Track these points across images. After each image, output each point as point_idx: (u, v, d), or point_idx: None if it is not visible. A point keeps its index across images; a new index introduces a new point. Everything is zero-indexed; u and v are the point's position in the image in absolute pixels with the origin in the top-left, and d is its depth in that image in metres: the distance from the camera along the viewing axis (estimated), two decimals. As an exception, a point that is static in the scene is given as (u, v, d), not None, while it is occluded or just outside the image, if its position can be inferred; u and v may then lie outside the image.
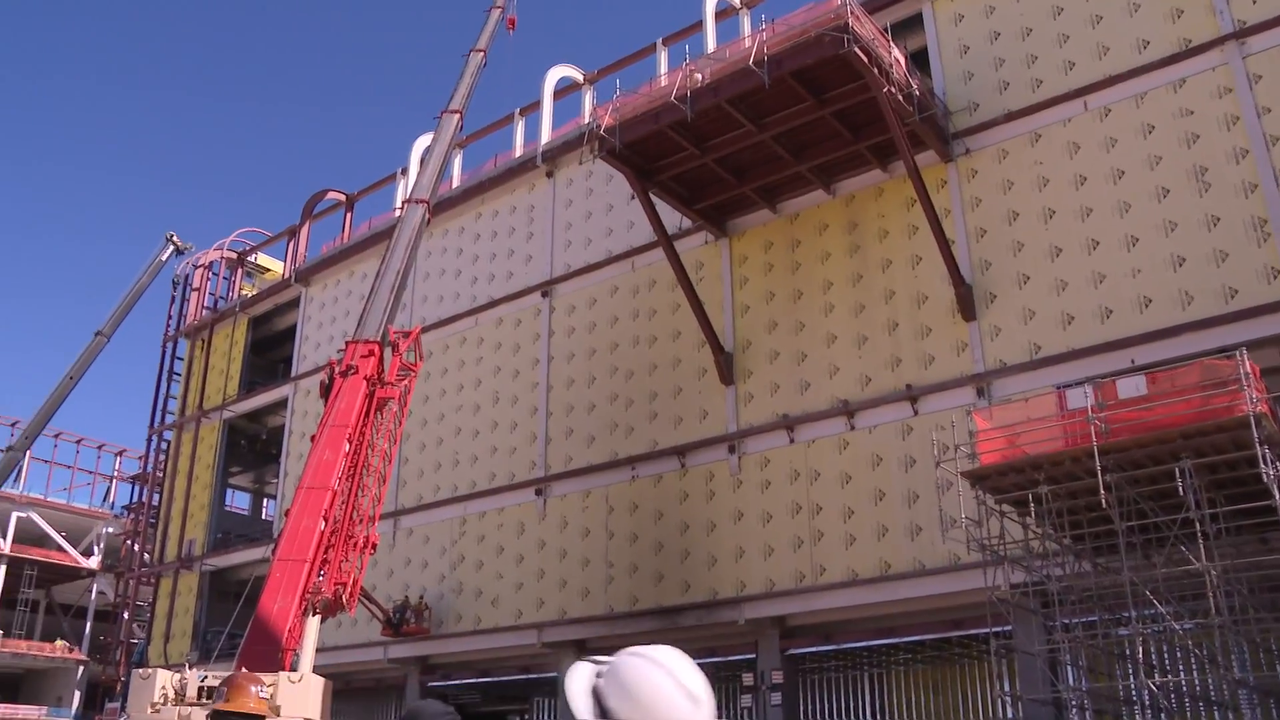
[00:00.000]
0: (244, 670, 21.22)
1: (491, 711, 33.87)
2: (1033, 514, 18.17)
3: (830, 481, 24.97)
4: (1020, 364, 22.84)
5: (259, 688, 5.80)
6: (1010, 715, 21.54)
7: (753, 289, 27.87)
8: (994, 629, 18.08)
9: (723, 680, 26.11)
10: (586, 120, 31.86)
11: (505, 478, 31.78)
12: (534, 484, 30.89)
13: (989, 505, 18.41)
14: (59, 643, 55.51)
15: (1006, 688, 20.82)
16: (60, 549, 56.26)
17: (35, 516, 54.96)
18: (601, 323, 31.08)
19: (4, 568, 54.01)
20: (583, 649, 28.48)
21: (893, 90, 22.45)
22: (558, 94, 36.64)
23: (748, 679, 25.21)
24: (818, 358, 26.06)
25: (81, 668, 54.21)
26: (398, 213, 32.46)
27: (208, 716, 5.83)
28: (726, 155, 25.71)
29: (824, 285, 26.56)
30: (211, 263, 49.28)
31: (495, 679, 31.66)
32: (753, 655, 25.43)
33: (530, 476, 31.10)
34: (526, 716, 32.49)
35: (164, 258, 39.38)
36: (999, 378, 23.04)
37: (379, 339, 25.01)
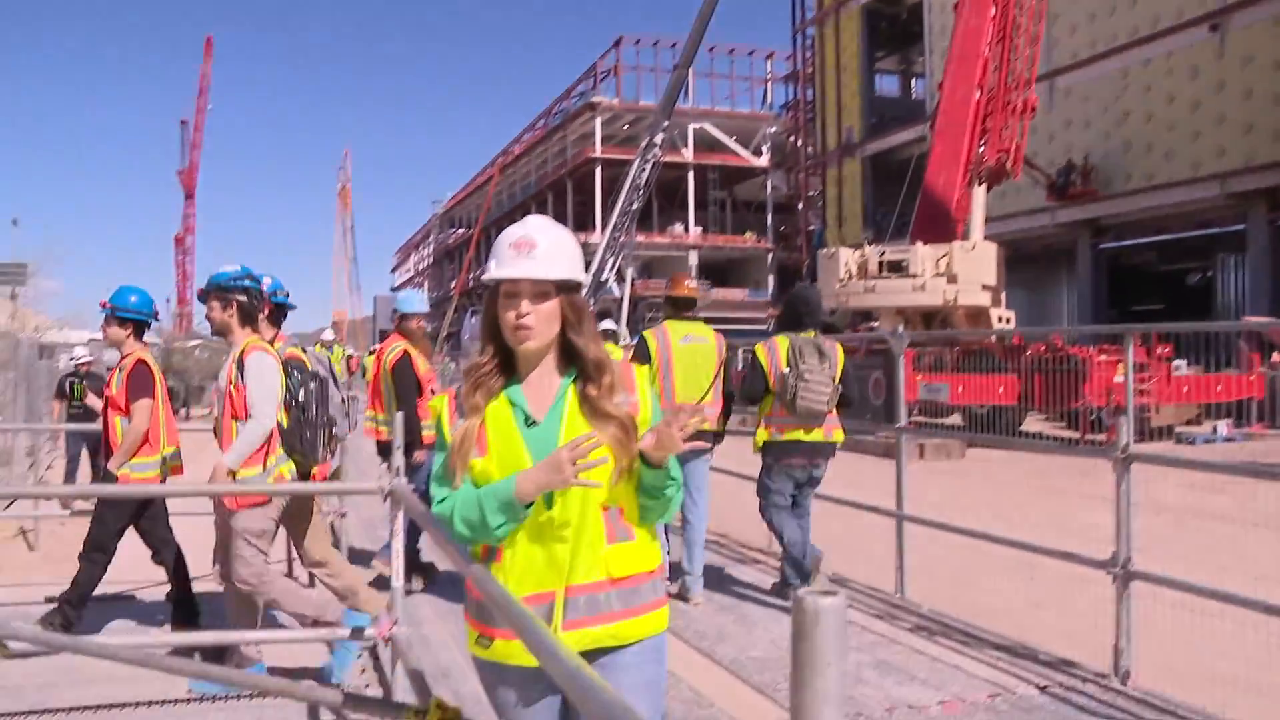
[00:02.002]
0: (919, 243, 22.60)
1: (1169, 271, 32.89)
2: None
3: None
4: None
5: (691, 280, 7.36)
6: None
7: None
8: None
9: None
10: None
11: (1171, 16, 29.12)
12: (1208, 19, 28.08)
13: None
14: (748, 235, 62.16)
15: None
16: (733, 152, 61.76)
17: (708, 126, 60.45)
18: None
19: (691, 174, 60.67)
20: (1275, 198, 26.35)
21: None
22: None
23: None
24: None
25: (770, 255, 60.49)
26: None
27: (663, 301, 7.29)
28: None
29: None
30: None
31: (1172, 236, 30.56)
32: None
33: (1202, 11, 28.18)
34: (1209, 274, 31.11)
35: None
36: None
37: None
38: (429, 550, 7.73)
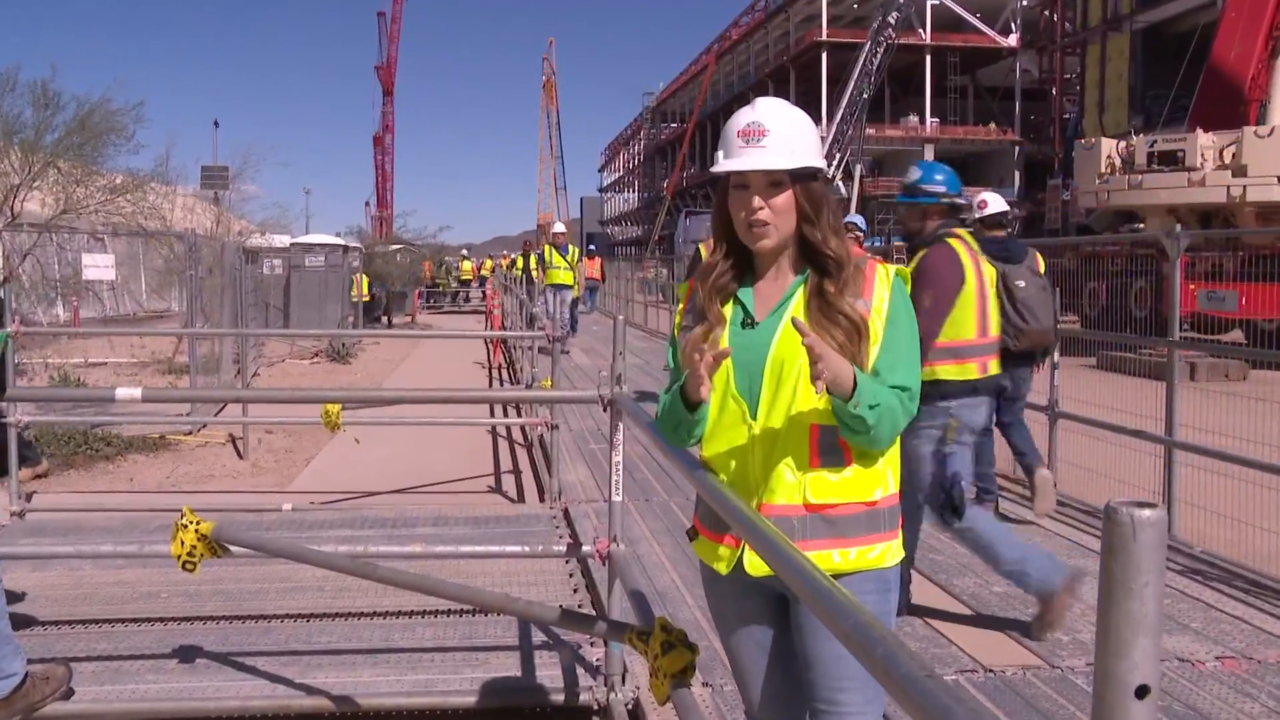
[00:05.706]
0: (1199, 130, 21.27)
1: None
2: None
3: None
4: None
5: None
6: None
7: None
8: None
9: None
10: None
11: None
12: None
13: None
14: (991, 125, 59.98)
15: None
16: (977, 31, 59.45)
17: (948, 1, 58.26)
18: None
19: (928, 57, 58.81)
20: None
21: None
22: None
23: None
24: None
25: (1016, 148, 58.27)
26: None
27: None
28: None
29: None
30: None
31: None
32: None
33: None
34: None
35: None
36: None
37: None
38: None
